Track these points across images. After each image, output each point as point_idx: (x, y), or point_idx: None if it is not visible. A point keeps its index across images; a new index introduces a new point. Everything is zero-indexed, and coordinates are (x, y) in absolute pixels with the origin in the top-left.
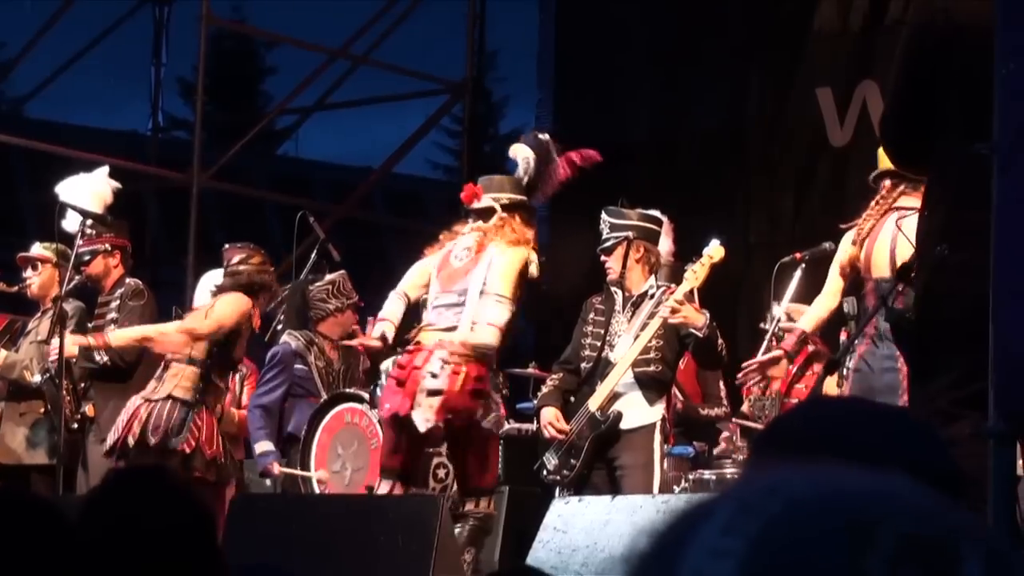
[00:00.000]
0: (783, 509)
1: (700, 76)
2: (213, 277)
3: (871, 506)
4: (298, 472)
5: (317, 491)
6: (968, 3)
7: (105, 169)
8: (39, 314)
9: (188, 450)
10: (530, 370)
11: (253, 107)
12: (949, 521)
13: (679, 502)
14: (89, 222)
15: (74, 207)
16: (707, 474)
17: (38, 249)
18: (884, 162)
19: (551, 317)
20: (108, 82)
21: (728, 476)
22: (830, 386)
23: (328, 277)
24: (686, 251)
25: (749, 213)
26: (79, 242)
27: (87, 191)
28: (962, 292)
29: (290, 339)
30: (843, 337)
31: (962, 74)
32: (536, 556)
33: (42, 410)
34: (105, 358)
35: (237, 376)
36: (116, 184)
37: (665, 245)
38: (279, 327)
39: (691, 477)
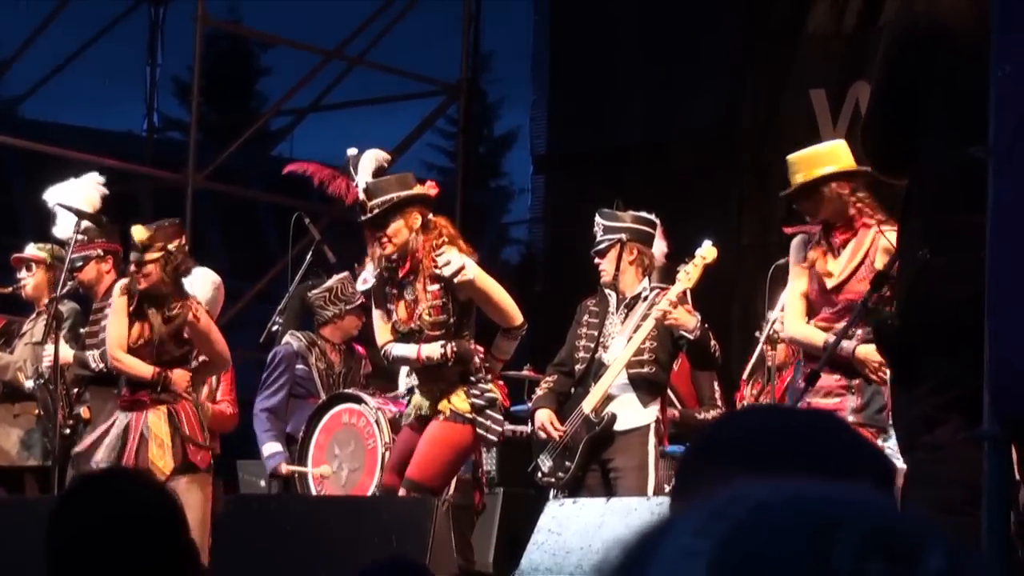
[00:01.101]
0: (750, 512)
1: (694, 77)
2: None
3: (835, 505)
4: (307, 469)
5: (314, 490)
6: (950, 7)
7: (94, 174)
8: (34, 315)
9: None
10: (525, 372)
11: (248, 108)
12: (910, 517)
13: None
14: (82, 226)
15: (70, 208)
16: None
17: (32, 250)
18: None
19: (546, 320)
20: (103, 82)
21: None
22: None
23: (327, 283)
24: (679, 252)
25: (742, 214)
26: (71, 248)
27: (77, 195)
28: (945, 296)
29: (292, 340)
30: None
31: (946, 78)
32: (530, 558)
33: (36, 412)
34: (100, 365)
35: None
36: (104, 189)
37: (659, 246)
38: (274, 328)
39: None
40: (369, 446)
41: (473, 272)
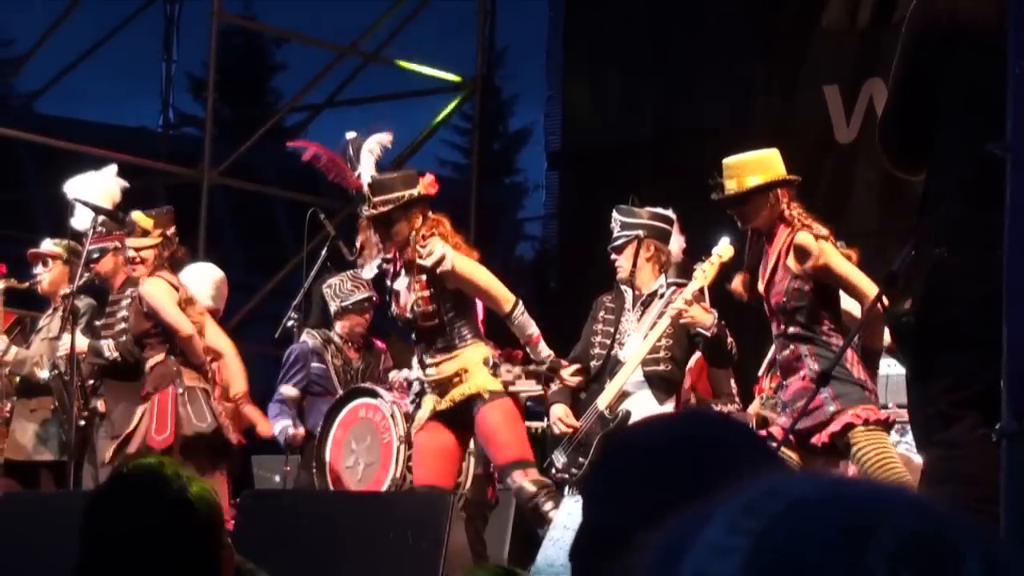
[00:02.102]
0: (785, 508)
1: (707, 74)
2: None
3: (872, 504)
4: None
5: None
6: (972, 2)
7: (113, 167)
8: (50, 311)
9: None
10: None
11: (263, 103)
12: (949, 520)
13: None
14: (100, 219)
15: (87, 204)
16: None
17: (48, 245)
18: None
19: (562, 317)
20: (119, 78)
21: None
22: None
23: (328, 280)
24: (693, 249)
25: None
26: (89, 239)
27: (96, 189)
28: (962, 293)
29: (307, 337)
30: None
31: (966, 74)
32: (546, 554)
33: (52, 407)
34: (115, 354)
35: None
36: (124, 182)
37: (676, 242)
38: (289, 324)
39: None
40: (384, 440)
41: (452, 261)
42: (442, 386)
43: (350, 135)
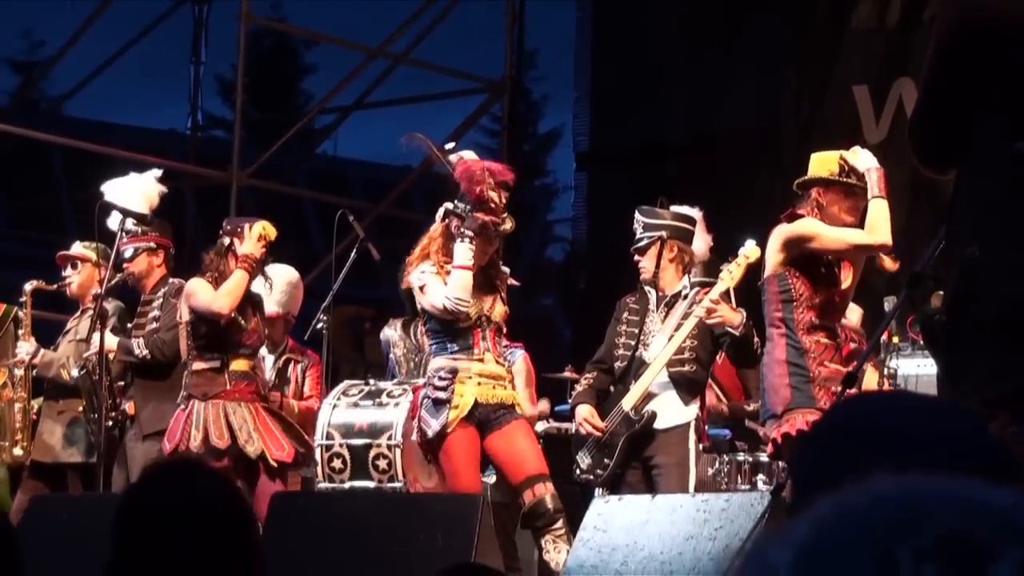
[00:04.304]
0: (813, 533)
1: (737, 74)
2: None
3: (923, 499)
4: None
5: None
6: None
7: (155, 171)
8: (78, 313)
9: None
10: (566, 374)
11: (292, 106)
12: (998, 520)
13: (718, 501)
14: (127, 223)
15: (114, 205)
16: (741, 456)
17: (78, 248)
18: (815, 168)
19: (591, 318)
20: (147, 81)
21: (762, 460)
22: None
23: None
24: (722, 250)
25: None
26: (121, 240)
27: (135, 191)
28: (994, 293)
29: (387, 329)
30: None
31: (999, 71)
32: (576, 554)
33: (80, 408)
34: (144, 352)
35: (299, 367)
36: (163, 187)
37: (703, 240)
38: (319, 325)
39: (725, 458)
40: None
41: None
42: (497, 380)
43: (450, 146)
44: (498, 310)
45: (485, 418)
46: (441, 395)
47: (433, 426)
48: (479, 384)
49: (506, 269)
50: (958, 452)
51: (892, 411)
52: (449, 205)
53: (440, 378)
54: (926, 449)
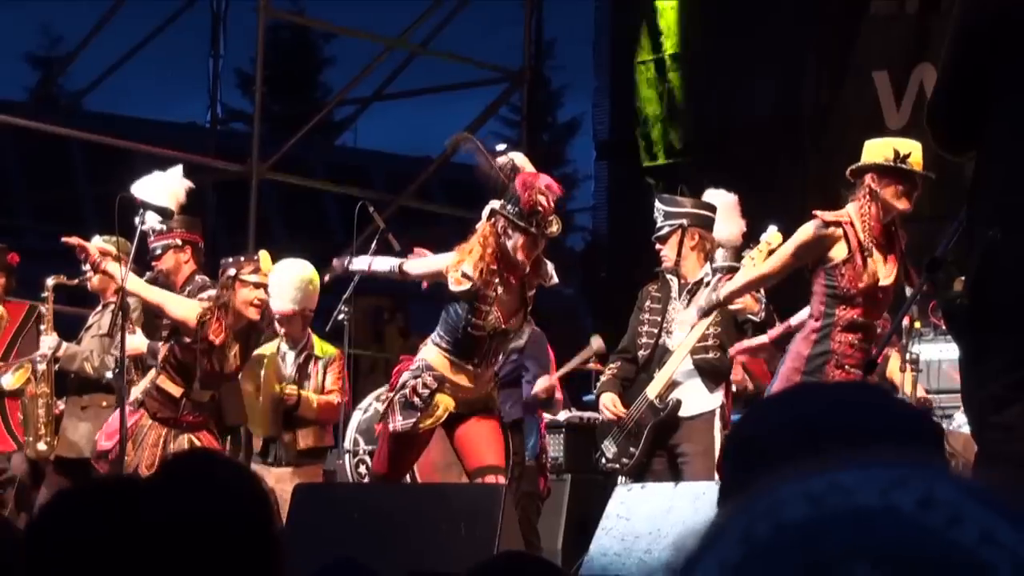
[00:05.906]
0: (743, 548)
1: (755, 61)
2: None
3: (833, 542)
4: None
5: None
6: None
7: (179, 168)
8: (99, 307)
9: None
10: (591, 366)
11: (311, 98)
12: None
13: None
14: (147, 218)
15: (135, 199)
16: None
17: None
18: (869, 155)
19: (613, 307)
20: (166, 75)
21: None
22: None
23: None
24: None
25: (806, 198)
26: (149, 238)
27: (162, 188)
28: (1015, 275)
29: None
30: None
31: (1018, 54)
32: (599, 543)
33: (104, 404)
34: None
35: (320, 363)
36: (189, 183)
37: (735, 225)
38: (340, 317)
39: None
40: None
41: None
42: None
43: (507, 156)
44: (516, 324)
45: (455, 416)
46: (418, 402)
47: (399, 424)
48: (459, 396)
49: (551, 266)
50: (868, 432)
51: (796, 408)
52: (495, 204)
53: (424, 385)
54: (837, 442)
